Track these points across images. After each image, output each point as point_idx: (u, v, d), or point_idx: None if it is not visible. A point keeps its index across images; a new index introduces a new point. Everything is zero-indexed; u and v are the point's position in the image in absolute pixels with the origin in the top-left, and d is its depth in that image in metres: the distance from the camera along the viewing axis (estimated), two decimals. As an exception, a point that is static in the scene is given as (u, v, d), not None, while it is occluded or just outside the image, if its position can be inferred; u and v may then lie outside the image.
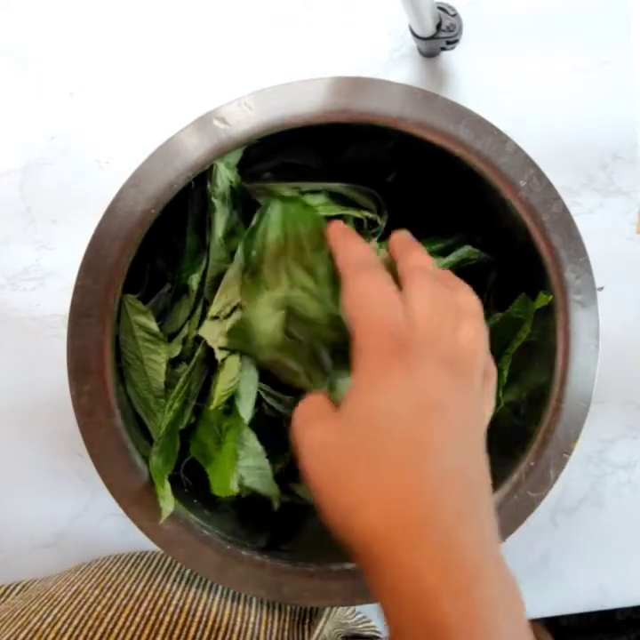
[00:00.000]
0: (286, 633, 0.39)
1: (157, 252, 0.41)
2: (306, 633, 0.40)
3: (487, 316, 0.42)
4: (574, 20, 0.50)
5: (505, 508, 0.36)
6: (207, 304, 0.38)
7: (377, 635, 0.46)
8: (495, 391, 0.33)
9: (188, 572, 0.40)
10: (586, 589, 0.52)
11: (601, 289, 0.51)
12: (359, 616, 0.48)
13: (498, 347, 0.40)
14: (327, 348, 0.35)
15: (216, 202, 0.37)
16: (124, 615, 0.35)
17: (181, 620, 0.35)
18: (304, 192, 0.40)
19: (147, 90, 0.50)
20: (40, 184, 0.49)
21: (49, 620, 0.34)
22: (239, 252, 0.37)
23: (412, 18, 0.43)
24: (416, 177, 0.41)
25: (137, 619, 0.35)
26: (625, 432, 0.51)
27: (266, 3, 0.50)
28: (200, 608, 0.37)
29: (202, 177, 0.36)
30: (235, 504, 0.40)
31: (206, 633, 0.35)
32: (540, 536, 0.52)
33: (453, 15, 0.46)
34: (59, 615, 0.34)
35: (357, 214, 0.40)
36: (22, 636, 0.33)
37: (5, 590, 0.42)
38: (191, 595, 0.38)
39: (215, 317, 0.37)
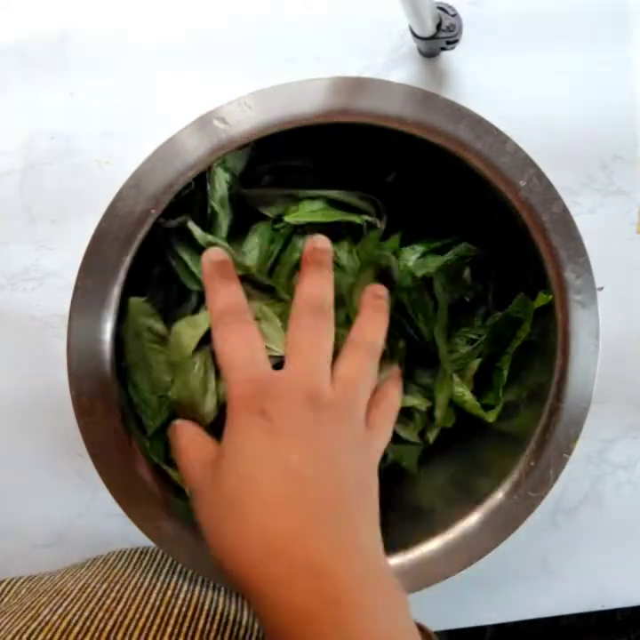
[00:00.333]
0: None
1: (165, 254, 0.41)
2: None
3: (487, 316, 0.43)
4: (574, 20, 0.50)
5: (505, 507, 0.36)
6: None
7: None
8: (389, 413, 0.36)
9: None
10: (586, 589, 0.52)
11: (601, 289, 0.51)
12: None
13: (497, 346, 0.40)
14: None
15: (215, 205, 0.37)
16: (133, 607, 0.35)
17: (190, 613, 0.35)
18: (301, 198, 0.40)
19: (147, 90, 0.50)
20: (40, 184, 0.49)
21: (59, 611, 0.34)
22: None
23: (412, 18, 0.43)
24: (416, 177, 0.41)
25: (146, 610, 0.35)
26: (625, 432, 0.51)
27: (266, 2, 0.50)
28: (208, 602, 0.37)
29: (202, 178, 0.36)
30: None
31: (215, 626, 0.35)
32: (540, 536, 0.52)
33: (453, 15, 0.46)
34: (69, 608, 0.34)
35: (357, 219, 0.40)
36: (33, 627, 0.33)
37: (11, 583, 0.42)
38: (198, 589, 0.38)
39: None
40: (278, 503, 0.28)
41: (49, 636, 0.32)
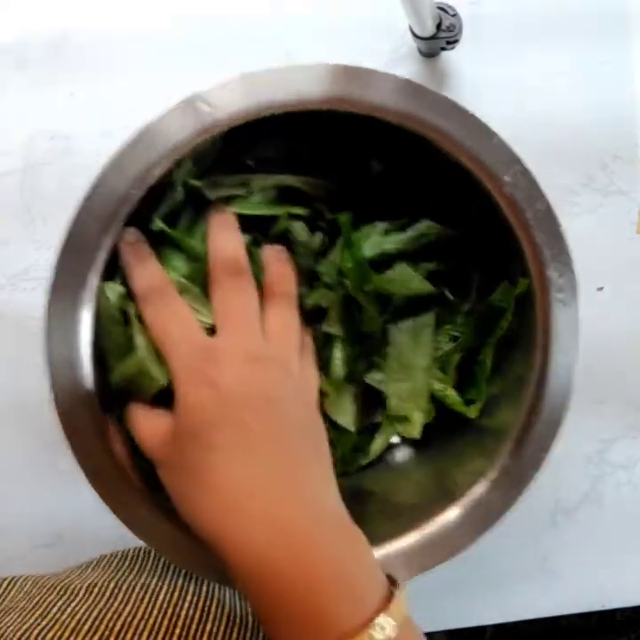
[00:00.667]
0: None
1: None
2: None
3: (471, 311, 0.43)
4: (574, 20, 0.50)
5: (484, 504, 0.36)
6: None
7: None
8: (312, 357, 0.38)
9: None
10: (586, 589, 0.52)
11: (601, 289, 0.51)
12: None
13: (481, 337, 0.40)
14: None
15: (177, 197, 0.37)
16: (142, 609, 0.35)
17: (197, 615, 0.35)
18: (253, 189, 0.39)
19: (146, 90, 0.50)
20: (40, 184, 0.49)
21: (68, 610, 0.34)
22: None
23: (412, 18, 0.43)
24: (401, 169, 0.40)
25: (154, 612, 0.35)
26: (625, 432, 0.51)
27: (266, 2, 0.50)
28: (214, 603, 0.37)
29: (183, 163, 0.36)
30: None
31: (222, 628, 0.35)
32: (540, 536, 0.52)
33: (453, 15, 0.46)
34: (77, 608, 0.34)
35: (301, 211, 0.39)
36: (43, 624, 0.33)
37: (11, 580, 0.42)
38: (205, 589, 0.38)
39: None
40: (235, 464, 0.30)
41: (59, 633, 0.32)
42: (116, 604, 0.35)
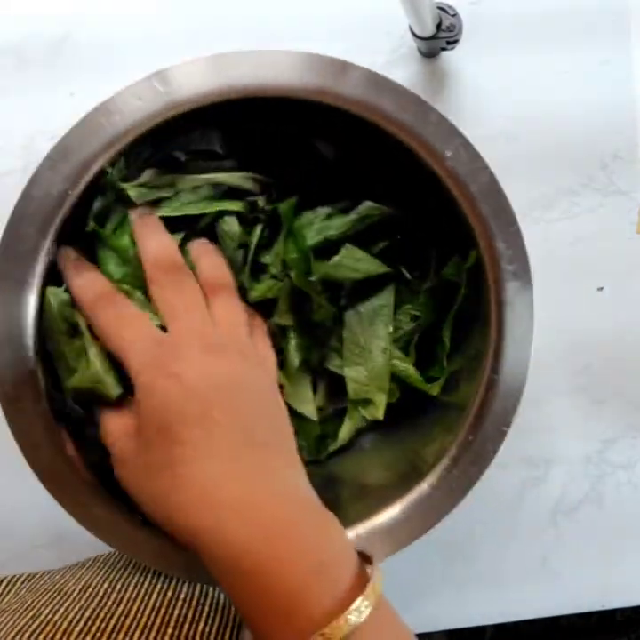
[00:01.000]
0: None
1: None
2: None
3: (431, 289, 0.43)
4: (574, 20, 0.50)
5: (444, 483, 0.36)
6: None
7: None
8: (266, 337, 0.38)
9: None
10: (586, 589, 0.52)
11: (601, 289, 0.51)
12: None
13: (438, 313, 0.41)
14: None
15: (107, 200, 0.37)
16: (134, 608, 0.35)
17: (190, 615, 0.35)
18: (179, 191, 0.39)
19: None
20: (40, 184, 0.49)
21: (61, 611, 0.34)
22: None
23: (412, 18, 0.43)
24: (344, 152, 0.40)
25: (148, 611, 0.35)
26: (625, 432, 0.51)
27: (266, 2, 0.50)
28: (208, 602, 0.37)
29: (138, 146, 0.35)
30: None
31: (215, 628, 0.35)
32: (540, 536, 0.52)
33: (453, 15, 0.46)
34: (70, 608, 0.34)
35: (233, 207, 0.39)
36: (34, 626, 0.33)
37: (11, 580, 0.42)
38: (198, 589, 0.38)
39: None
40: (204, 458, 0.30)
41: (51, 634, 0.32)
42: (108, 604, 0.35)
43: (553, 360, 0.51)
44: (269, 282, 0.39)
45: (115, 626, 0.33)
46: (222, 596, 0.38)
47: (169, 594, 0.36)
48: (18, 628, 0.32)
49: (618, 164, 0.51)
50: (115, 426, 0.33)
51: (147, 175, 0.38)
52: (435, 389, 0.40)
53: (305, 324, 0.40)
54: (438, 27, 0.45)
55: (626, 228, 0.51)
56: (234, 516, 0.29)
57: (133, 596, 0.36)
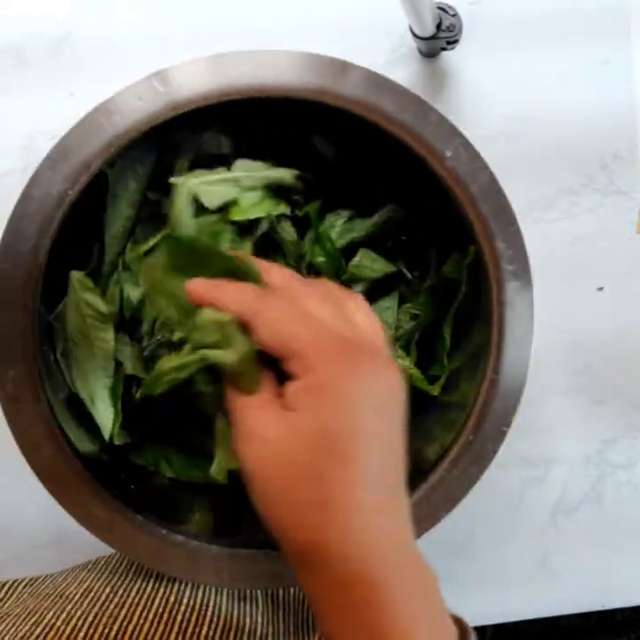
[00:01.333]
0: (292, 637, 0.39)
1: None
2: (310, 634, 0.40)
3: (431, 288, 0.43)
4: (574, 20, 0.50)
5: (445, 483, 0.36)
6: None
7: None
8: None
9: None
10: (586, 589, 0.52)
11: (601, 289, 0.51)
12: None
13: (438, 311, 0.41)
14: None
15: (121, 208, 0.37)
16: (137, 613, 0.35)
17: (193, 619, 0.35)
18: (241, 188, 0.38)
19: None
20: (40, 184, 0.49)
21: (63, 616, 0.34)
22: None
23: (412, 18, 0.43)
24: (354, 155, 0.40)
25: (150, 616, 0.35)
26: (625, 432, 0.51)
27: (266, 2, 0.50)
28: (211, 606, 0.37)
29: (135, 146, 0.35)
30: (174, 490, 0.40)
31: (218, 633, 0.35)
32: (540, 536, 0.52)
33: (453, 15, 0.46)
34: (72, 612, 0.34)
35: (284, 210, 0.39)
36: (37, 631, 0.33)
37: (12, 584, 0.42)
38: (200, 593, 0.38)
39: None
40: (359, 482, 0.27)
41: None
42: (111, 608, 0.35)
43: (553, 360, 0.51)
44: None
45: (118, 631, 0.33)
46: (225, 600, 0.38)
47: (171, 599, 0.36)
48: (21, 633, 0.32)
49: (618, 164, 0.51)
50: (262, 424, 0.28)
51: (200, 173, 0.38)
52: (436, 389, 0.40)
53: None
54: (438, 27, 0.45)
55: (626, 228, 0.51)
56: (373, 544, 0.26)
57: (136, 600, 0.36)
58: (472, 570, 0.52)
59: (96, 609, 0.35)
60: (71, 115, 0.48)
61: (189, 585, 0.38)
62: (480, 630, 0.65)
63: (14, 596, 0.41)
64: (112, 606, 0.35)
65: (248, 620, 0.38)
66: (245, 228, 0.39)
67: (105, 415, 0.37)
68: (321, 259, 0.39)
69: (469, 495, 0.36)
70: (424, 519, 0.36)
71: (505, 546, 0.52)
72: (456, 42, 0.47)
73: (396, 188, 0.40)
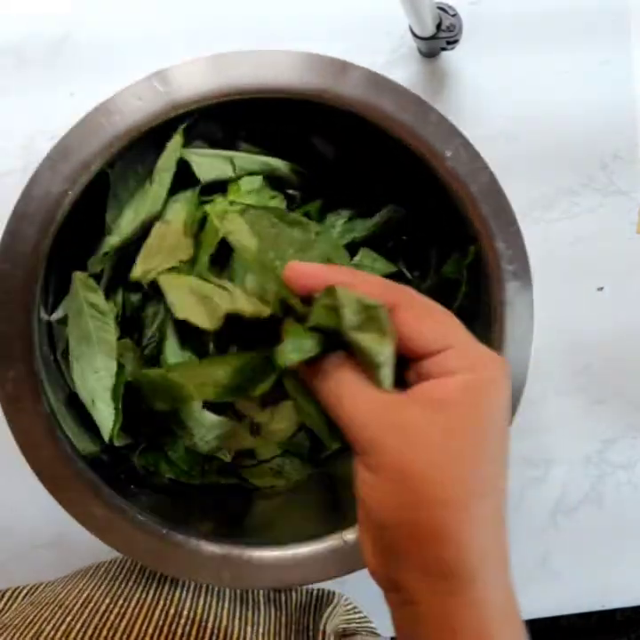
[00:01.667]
0: None
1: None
2: None
3: (431, 288, 0.43)
4: (574, 20, 0.50)
5: None
6: None
7: (374, 633, 0.46)
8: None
9: None
10: (586, 589, 0.52)
11: (601, 289, 0.51)
12: (359, 614, 0.48)
13: None
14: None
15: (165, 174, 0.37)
16: (137, 625, 0.34)
17: (194, 633, 0.35)
18: (240, 176, 0.39)
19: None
20: (40, 184, 0.49)
21: (63, 628, 0.34)
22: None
23: (412, 18, 0.43)
24: (354, 155, 0.40)
25: (150, 629, 0.34)
26: (625, 432, 0.51)
27: (266, 2, 0.50)
28: (211, 618, 0.36)
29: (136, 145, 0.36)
30: (174, 490, 0.40)
31: None
32: (540, 536, 0.52)
33: (453, 15, 0.46)
34: (72, 623, 0.34)
35: (279, 204, 0.40)
36: None
37: (13, 593, 0.42)
38: (201, 603, 0.38)
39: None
40: (480, 531, 0.24)
41: None
42: (111, 618, 0.35)
43: (553, 360, 0.51)
44: None
45: None
46: (225, 610, 0.38)
47: (171, 611, 0.36)
48: None
49: (618, 164, 0.51)
50: (366, 402, 0.25)
51: (200, 147, 0.38)
52: None
53: None
54: (438, 27, 0.45)
55: (626, 228, 0.51)
56: (492, 570, 0.24)
57: (136, 612, 0.36)
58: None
59: (96, 621, 0.34)
60: (71, 115, 0.48)
61: (190, 595, 0.38)
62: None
63: (15, 605, 0.40)
64: (112, 617, 0.35)
65: (249, 629, 0.37)
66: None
67: (105, 416, 0.37)
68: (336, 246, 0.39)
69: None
70: None
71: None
72: (456, 42, 0.47)
73: (396, 188, 0.40)
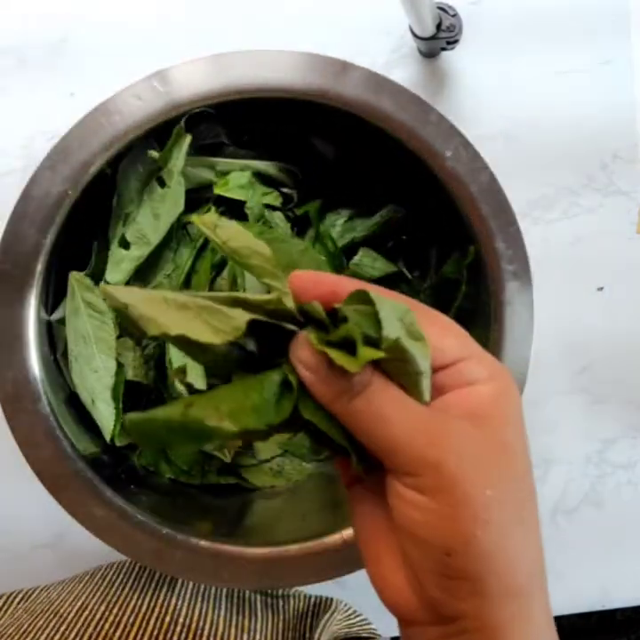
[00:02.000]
0: None
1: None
2: None
3: (431, 288, 0.43)
4: (574, 20, 0.50)
5: None
6: None
7: (375, 635, 0.46)
8: None
9: (190, 584, 0.40)
10: (586, 589, 0.52)
11: (601, 289, 0.51)
12: (359, 618, 0.48)
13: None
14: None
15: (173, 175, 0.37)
16: (132, 634, 0.34)
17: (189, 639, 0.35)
18: (226, 172, 0.39)
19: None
20: (40, 184, 0.49)
21: (57, 637, 0.34)
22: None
23: (412, 18, 0.43)
24: (354, 155, 0.40)
25: (145, 637, 0.34)
26: (625, 432, 0.51)
27: (266, 2, 0.50)
28: (207, 626, 0.36)
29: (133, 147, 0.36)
30: (174, 490, 0.40)
31: None
32: (540, 536, 0.52)
33: (453, 15, 0.46)
34: (66, 633, 0.34)
35: (273, 201, 0.40)
36: None
37: (8, 599, 0.42)
38: (197, 611, 0.37)
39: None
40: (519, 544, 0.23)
41: None
42: (106, 626, 0.34)
43: (553, 360, 0.51)
44: None
45: None
46: (221, 620, 0.38)
47: (167, 619, 0.36)
48: None
49: (618, 164, 0.51)
50: (409, 420, 0.23)
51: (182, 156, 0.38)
52: None
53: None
54: (438, 27, 0.45)
55: (626, 228, 0.51)
56: (537, 584, 0.23)
57: (131, 620, 0.35)
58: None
59: (90, 630, 0.34)
60: (71, 115, 0.48)
61: (186, 603, 0.38)
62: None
63: (9, 611, 0.40)
64: (107, 626, 0.35)
65: (245, 637, 0.37)
66: (235, 215, 0.39)
67: (106, 416, 0.37)
68: (322, 257, 0.39)
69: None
70: None
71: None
72: (456, 42, 0.47)
73: (396, 188, 0.40)
